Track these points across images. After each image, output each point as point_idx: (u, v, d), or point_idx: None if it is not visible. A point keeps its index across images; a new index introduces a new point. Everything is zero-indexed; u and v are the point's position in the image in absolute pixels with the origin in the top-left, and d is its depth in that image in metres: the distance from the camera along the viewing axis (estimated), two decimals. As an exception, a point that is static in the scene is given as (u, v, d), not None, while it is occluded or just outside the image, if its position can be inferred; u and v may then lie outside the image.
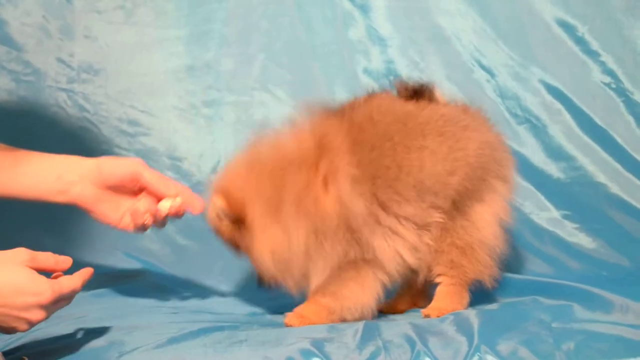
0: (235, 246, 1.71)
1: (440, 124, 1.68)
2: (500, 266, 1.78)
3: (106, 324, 1.67)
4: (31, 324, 1.41)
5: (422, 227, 1.68)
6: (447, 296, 1.75)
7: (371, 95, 1.73)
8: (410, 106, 1.69)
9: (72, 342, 1.55)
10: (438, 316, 1.69)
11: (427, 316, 1.71)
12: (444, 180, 1.66)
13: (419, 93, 1.72)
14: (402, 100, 1.71)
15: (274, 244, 1.64)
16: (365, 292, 1.68)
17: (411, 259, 1.68)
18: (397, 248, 1.66)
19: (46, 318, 1.42)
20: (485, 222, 1.73)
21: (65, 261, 1.47)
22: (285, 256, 1.64)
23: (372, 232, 1.64)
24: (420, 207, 1.65)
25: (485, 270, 1.75)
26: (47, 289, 1.40)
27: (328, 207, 1.63)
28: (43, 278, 1.40)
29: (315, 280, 1.67)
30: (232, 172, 1.69)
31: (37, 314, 1.40)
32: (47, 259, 1.45)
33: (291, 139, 1.66)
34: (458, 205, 1.70)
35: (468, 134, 1.69)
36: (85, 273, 1.48)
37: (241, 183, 1.65)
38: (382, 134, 1.64)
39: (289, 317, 1.68)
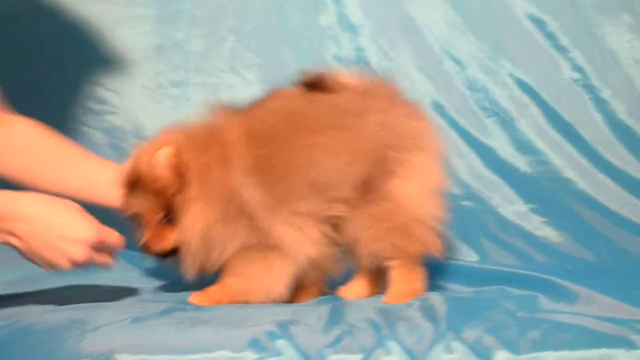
0: (157, 206, 1.63)
1: (332, 117, 1.66)
2: (444, 234, 1.76)
3: (69, 302, 1.65)
4: (72, 262, 1.51)
5: (325, 220, 1.67)
6: (402, 279, 1.73)
7: (274, 93, 1.73)
8: (301, 103, 1.68)
9: (33, 320, 1.53)
10: (399, 302, 1.69)
11: (387, 302, 1.71)
12: (342, 174, 1.64)
13: (314, 84, 1.71)
14: (298, 98, 1.70)
15: (208, 217, 1.62)
16: (271, 276, 1.67)
17: (313, 252, 1.67)
18: (298, 239, 1.65)
19: (86, 263, 1.52)
20: (410, 197, 1.69)
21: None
22: (214, 231, 1.62)
23: (269, 220, 1.63)
24: (319, 203, 1.65)
25: (428, 245, 1.72)
26: (93, 228, 1.51)
27: (227, 193, 1.62)
28: (91, 220, 1.52)
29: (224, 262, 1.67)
30: (179, 139, 1.65)
31: (79, 252, 1.50)
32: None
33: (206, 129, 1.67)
34: (370, 190, 1.67)
35: (363, 120, 1.66)
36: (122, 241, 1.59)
37: (187, 149, 1.63)
38: (270, 134, 1.64)
39: (194, 295, 1.69)
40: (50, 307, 1.62)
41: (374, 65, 2.34)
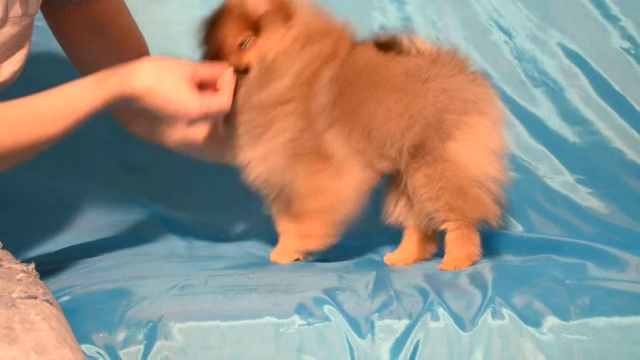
0: (240, 30, 1.67)
1: (401, 80, 1.70)
2: (502, 200, 1.76)
3: (115, 273, 1.67)
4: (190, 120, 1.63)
5: (373, 169, 1.71)
6: (457, 242, 1.72)
7: (363, 42, 1.77)
8: (383, 60, 1.72)
9: (80, 290, 1.54)
10: (455, 268, 1.68)
11: (445, 270, 1.69)
12: (395, 136, 1.69)
13: (390, 45, 1.74)
14: (381, 54, 1.73)
15: (282, 49, 1.67)
16: (339, 177, 1.69)
17: (359, 179, 1.70)
18: (348, 160, 1.69)
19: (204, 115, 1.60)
20: (468, 158, 1.70)
21: (220, 69, 1.64)
22: (278, 69, 1.67)
23: (326, 126, 1.68)
24: (371, 152, 1.69)
25: (484, 207, 1.72)
26: (196, 105, 1.58)
27: (315, 70, 1.68)
28: (195, 95, 1.58)
29: (277, 150, 1.69)
30: None
31: (194, 107, 1.58)
32: (205, 70, 1.62)
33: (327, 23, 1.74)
34: (424, 152, 1.70)
35: (427, 86, 1.70)
36: (229, 87, 1.63)
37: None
38: (351, 76, 1.69)
39: (303, 244, 1.73)
40: (96, 277, 1.63)
41: (422, 35, 2.31)
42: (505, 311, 1.40)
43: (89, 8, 1.78)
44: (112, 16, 1.82)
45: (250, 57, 1.67)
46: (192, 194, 2.20)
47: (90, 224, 2.07)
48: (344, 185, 1.68)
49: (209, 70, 1.62)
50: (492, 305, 1.41)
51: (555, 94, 2.32)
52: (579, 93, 2.32)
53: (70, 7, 1.77)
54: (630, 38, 2.34)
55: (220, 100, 1.61)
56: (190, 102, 1.57)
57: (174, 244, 2.00)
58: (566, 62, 2.33)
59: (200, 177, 2.19)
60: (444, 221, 1.72)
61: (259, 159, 1.70)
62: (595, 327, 1.39)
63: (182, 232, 2.06)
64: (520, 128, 2.29)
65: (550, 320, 1.39)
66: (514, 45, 2.33)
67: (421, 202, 1.72)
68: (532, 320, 1.39)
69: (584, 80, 2.33)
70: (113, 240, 2.00)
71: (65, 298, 1.50)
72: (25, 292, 1.35)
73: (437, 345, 1.38)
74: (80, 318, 1.42)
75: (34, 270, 1.47)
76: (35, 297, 1.34)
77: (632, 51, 2.34)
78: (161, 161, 2.16)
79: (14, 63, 1.55)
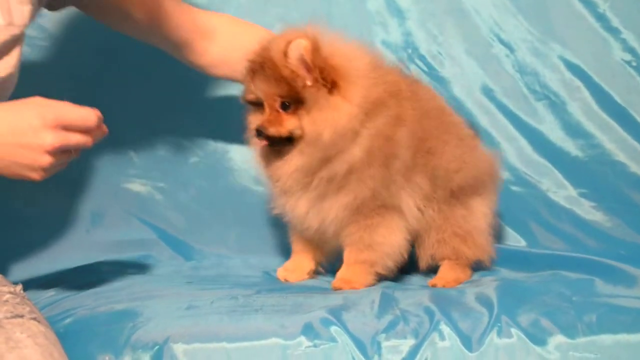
0: (280, 92, 1.65)
1: (461, 127, 1.86)
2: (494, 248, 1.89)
3: (121, 294, 1.66)
4: (47, 152, 1.36)
5: (421, 202, 1.78)
6: (451, 269, 1.82)
7: (416, 79, 1.93)
8: (440, 101, 1.89)
9: (85, 311, 1.54)
10: (444, 286, 1.75)
11: (434, 285, 1.77)
12: (451, 175, 1.78)
13: None
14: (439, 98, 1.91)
15: (340, 126, 1.64)
16: (394, 232, 1.74)
17: (416, 224, 1.78)
18: (410, 208, 1.75)
19: (61, 148, 1.37)
20: (480, 211, 1.85)
21: (92, 115, 1.41)
22: (348, 130, 1.65)
23: (403, 183, 1.72)
24: (428, 189, 1.77)
25: (484, 252, 1.85)
26: (48, 112, 1.37)
27: (388, 142, 1.69)
28: (49, 106, 1.38)
29: (336, 208, 1.71)
30: (337, 38, 1.71)
31: (46, 139, 1.35)
32: (73, 114, 1.40)
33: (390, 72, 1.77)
34: (457, 196, 1.81)
35: (476, 143, 1.90)
36: (91, 121, 1.41)
37: (346, 49, 1.69)
38: (428, 111, 1.78)
39: (336, 283, 1.73)
40: (102, 298, 1.63)
41: (422, 50, 2.31)
42: (512, 330, 1.40)
43: None
44: None
45: (292, 125, 1.65)
46: (197, 213, 2.19)
47: (95, 244, 2.06)
48: (396, 243, 1.75)
49: (76, 114, 1.40)
50: (499, 324, 1.41)
51: (557, 107, 2.31)
52: (581, 106, 2.31)
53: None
54: (631, 50, 2.33)
55: (82, 112, 1.40)
56: (36, 115, 1.37)
57: (179, 263, 2.00)
58: (568, 75, 2.32)
59: (205, 198, 2.19)
60: (443, 259, 1.83)
61: (318, 216, 1.73)
62: (602, 345, 1.39)
63: (187, 251, 2.06)
64: (523, 142, 2.29)
65: (557, 339, 1.39)
66: (515, 59, 2.33)
67: (431, 244, 1.82)
68: (539, 338, 1.39)
69: (585, 93, 2.32)
70: (119, 260, 2.00)
71: (69, 320, 1.51)
72: (12, 312, 1.34)
73: (444, 365, 1.37)
74: (85, 340, 1.43)
75: (21, 291, 1.46)
76: (21, 316, 1.34)
77: (634, 63, 2.33)
78: (165, 181, 2.17)
79: None
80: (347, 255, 1.76)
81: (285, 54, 1.62)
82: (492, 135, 2.28)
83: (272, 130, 1.66)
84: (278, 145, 1.68)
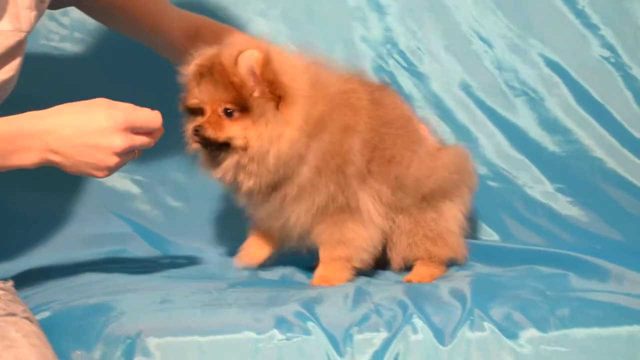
0: (225, 99, 1.63)
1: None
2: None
3: (95, 288, 1.66)
4: (116, 154, 1.43)
5: (389, 210, 1.78)
6: (426, 266, 1.82)
7: (383, 85, 1.93)
8: (405, 109, 1.86)
9: (59, 306, 1.54)
10: (419, 281, 1.75)
11: (409, 281, 1.76)
12: (418, 184, 1.79)
13: None
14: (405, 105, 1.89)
15: (283, 152, 1.64)
16: (363, 226, 1.74)
17: (381, 223, 1.77)
18: (372, 210, 1.75)
19: (129, 150, 1.44)
20: (452, 215, 1.85)
21: (157, 118, 1.48)
22: (292, 157, 1.65)
23: (359, 185, 1.72)
24: (391, 195, 1.77)
25: (456, 252, 1.85)
26: (119, 116, 1.42)
27: (337, 154, 1.68)
28: (118, 108, 1.44)
29: (297, 213, 1.71)
30: (283, 54, 1.71)
31: (115, 143, 1.42)
32: (142, 117, 1.46)
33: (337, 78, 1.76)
34: (427, 204, 1.82)
35: (445, 149, 1.90)
36: (156, 122, 1.48)
37: (290, 66, 1.68)
38: (391, 120, 1.77)
39: (315, 281, 1.74)
40: (76, 292, 1.62)
41: (402, 46, 2.31)
42: (485, 323, 1.40)
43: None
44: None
45: (233, 132, 1.64)
46: (172, 207, 2.19)
47: (70, 238, 2.06)
48: (367, 236, 1.75)
49: (143, 117, 1.47)
50: (471, 317, 1.41)
51: (536, 103, 2.32)
52: (559, 102, 2.32)
53: (88, 3, 1.81)
54: (610, 47, 2.34)
55: (148, 114, 1.48)
56: (110, 117, 1.43)
57: (154, 257, 2.00)
58: (546, 71, 2.33)
59: (181, 192, 2.19)
60: (417, 259, 1.83)
61: (278, 222, 1.75)
62: (574, 339, 1.39)
63: (163, 245, 2.06)
64: (501, 137, 2.29)
65: (529, 332, 1.39)
66: (494, 55, 2.33)
67: (402, 248, 1.82)
68: (511, 332, 1.39)
69: (564, 90, 2.33)
70: (93, 254, 1.99)
71: (44, 314, 1.50)
72: (5, 310, 1.34)
73: (416, 358, 1.37)
74: (59, 335, 1.41)
75: (12, 287, 1.46)
76: (14, 315, 1.33)
77: (612, 60, 2.34)
78: (142, 174, 2.17)
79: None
80: (322, 254, 1.76)
81: (235, 63, 1.62)
82: (470, 130, 2.29)
83: (211, 132, 1.63)
84: (212, 150, 1.66)
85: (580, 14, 2.34)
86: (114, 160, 1.43)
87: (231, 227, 2.12)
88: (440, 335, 1.39)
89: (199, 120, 1.66)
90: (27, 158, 1.41)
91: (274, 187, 1.67)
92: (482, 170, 2.24)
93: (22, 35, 1.55)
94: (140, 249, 2.04)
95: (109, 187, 2.15)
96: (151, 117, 1.47)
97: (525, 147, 2.29)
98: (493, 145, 2.28)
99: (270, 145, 1.62)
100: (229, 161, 1.66)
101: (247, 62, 1.61)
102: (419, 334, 1.39)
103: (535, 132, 2.30)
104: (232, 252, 1.95)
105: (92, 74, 2.19)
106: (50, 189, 2.11)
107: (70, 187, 2.15)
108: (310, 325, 1.39)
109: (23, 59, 1.58)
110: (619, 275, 1.63)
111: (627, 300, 1.46)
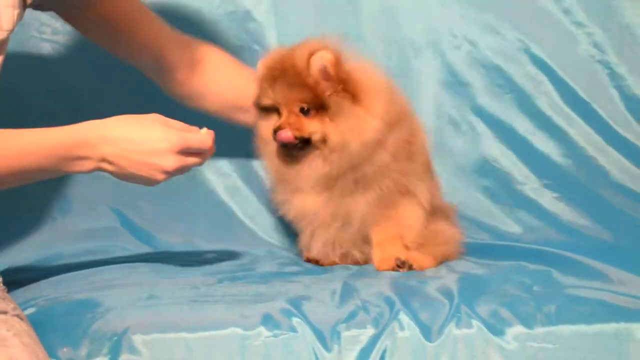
0: (302, 99, 1.71)
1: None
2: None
3: (81, 283, 1.65)
4: (165, 173, 1.53)
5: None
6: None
7: None
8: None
9: (46, 302, 1.53)
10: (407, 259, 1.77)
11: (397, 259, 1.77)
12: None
13: None
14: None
15: (368, 138, 1.71)
16: (415, 208, 1.81)
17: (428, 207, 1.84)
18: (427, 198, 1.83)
19: (179, 170, 1.53)
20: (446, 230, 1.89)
21: (208, 138, 1.57)
22: (365, 154, 1.72)
23: (422, 172, 1.83)
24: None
25: (453, 252, 1.88)
26: (175, 136, 1.52)
27: (410, 145, 1.79)
28: (174, 128, 1.54)
29: (358, 202, 1.77)
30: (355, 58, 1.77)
31: (168, 162, 1.51)
32: (195, 140, 1.55)
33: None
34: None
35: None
36: (208, 144, 1.57)
37: (362, 65, 1.76)
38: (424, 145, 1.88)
39: (378, 266, 1.78)
40: (62, 288, 1.62)
41: (391, 42, 2.31)
42: (471, 320, 1.40)
43: (92, 10, 1.80)
44: (115, 9, 1.84)
45: (313, 128, 1.72)
46: (160, 202, 2.18)
47: (56, 232, 2.05)
48: (417, 215, 1.81)
49: (197, 140, 1.56)
50: (458, 314, 1.41)
51: (523, 101, 2.32)
52: (546, 100, 2.32)
53: (74, 11, 1.80)
54: (596, 45, 2.34)
55: (202, 137, 1.57)
56: (165, 137, 1.52)
57: (141, 252, 1.99)
58: (533, 69, 2.33)
59: (169, 185, 2.17)
60: None
61: (337, 210, 1.79)
62: (560, 336, 1.39)
63: (150, 240, 2.05)
64: (489, 133, 2.29)
65: (516, 329, 1.39)
66: (481, 53, 2.33)
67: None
68: (498, 329, 1.39)
69: (550, 87, 2.33)
70: (79, 249, 1.98)
71: (30, 310, 1.49)
72: None
73: (403, 355, 1.38)
74: (45, 331, 1.40)
75: (1, 285, 1.46)
76: (5, 313, 1.33)
77: (598, 58, 2.34)
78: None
79: None
80: (376, 236, 1.80)
81: (308, 64, 1.69)
82: (461, 127, 2.29)
83: (293, 133, 1.71)
84: (291, 148, 1.74)
85: (567, 12, 2.34)
86: (163, 177, 1.54)
87: (220, 223, 2.11)
88: (427, 332, 1.39)
89: (277, 121, 1.74)
90: (84, 166, 1.51)
91: (350, 170, 1.74)
92: (472, 166, 2.26)
93: (4, 34, 1.54)
94: (127, 244, 2.03)
95: (97, 182, 2.14)
96: (203, 139, 1.56)
97: (512, 144, 2.29)
98: (482, 141, 2.28)
99: (351, 136, 1.70)
100: (312, 155, 1.74)
101: (320, 62, 1.69)
102: (406, 330, 1.39)
103: (524, 130, 2.31)
104: (220, 247, 1.95)
105: (84, 67, 2.17)
106: (40, 183, 2.10)
107: (57, 182, 2.13)
108: (297, 322, 1.39)
109: (5, 58, 1.57)
110: (606, 273, 1.64)
111: (614, 298, 1.47)
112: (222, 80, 1.95)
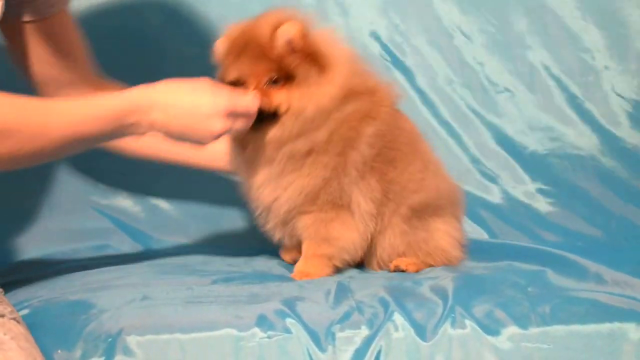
0: (268, 70, 1.67)
1: (430, 156, 1.85)
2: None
3: (75, 284, 1.65)
4: (214, 136, 1.58)
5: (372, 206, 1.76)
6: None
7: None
8: (416, 130, 1.85)
9: (40, 303, 1.53)
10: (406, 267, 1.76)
11: (396, 267, 1.76)
12: (405, 194, 1.77)
13: None
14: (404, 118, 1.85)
15: (323, 104, 1.68)
16: (349, 229, 1.75)
17: (371, 226, 1.76)
18: (364, 208, 1.74)
19: (227, 132, 1.59)
20: (443, 232, 1.83)
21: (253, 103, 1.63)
22: (327, 113, 1.68)
23: (356, 179, 1.72)
24: (385, 199, 1.76)
25: (452, 260, 1.83)
26: (223, 99, 1.57)
27: (350, 131, 1.71)
28: (222, 91, 1.59)
29: (293, 185, 1.72)
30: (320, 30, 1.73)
31: (217, 125, 1.57)
32: (242, 102, 1.61)
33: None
34: (419, 217, 1.80)
35: (443, 172, 1.88)
36: (254, 107, 1.62)
37: (328, 36, 1.73)
38: (404, 127, 1.80)
39: (295, 275, 1.74)
40: (56, 289, 1.62)
41: (384, 39, 2.31)
42: (466, 320, 1.40)
43: (44, 22, 1.77)
44: (63, 27, 1.82)
45: (280, 99, 1.68)
46: (155, 203, 2.18)
47: (52, 232, 2.05)
48: (354, 236, 1.75)
49: (244, 103, 1.62)
50: (453, 314, 1.41)
51: (517, 99, 2.32)
52: (541, 99, 2.32)
53: (26, 22, 1.76)
54: (592, 43, 2.34)
55: (248, 100, 1.62)
56: (214, 101, 1.57)
57: (135, 253, 1.99)
58: (527, 67, 2.33)
59: (162, 185, 2.18)
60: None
61: (273, 192, 1.74)
62: (555, 336, 1.39)
63: (146, 241, 2.05)
64: (482, 134, 2.29)
65: (510, 330, 1.39)
66: (475, 50, 2.33)
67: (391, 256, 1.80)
68: (492, 329, 1.39)
69: (545, 86, 2.33)
70: (74, 249, 1.98)
71: (24, 311, 1.49)
72: None
73: (397, 355, 1.37)
74: (39, 333, 1.40)
75: None
76: (2, 316, 1.33)
77: (593, 56, 2.34)
78: (125, 169, 2.16)
79: None
80: (305, 249, 1.77)
81: (273, 37, 1.65)
82: (453, 126, 2.29)
83: (263, 105, 1.66)
84: (258, 123, 1.68)
85: (562, 9, 2.34)
86: (211, 139, 1.59)
87: (213, 223, 2.11)
88: (421, 332, 1.39)
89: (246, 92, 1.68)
90: (137, 130, 1.55)
91: (293, 139, 1.69)
92: (467, 167, 2.26)
93: None
94: (121, 245, 2.03)
95: (91, 181, 2.15)
96: (250, 103, 1.62)
97: (507, 144, 2.29)
98: (476, 142, 2.28)
99: (309, 102, 1.67)
100: (275, 129, 1.69)
101: (285, 36, 1.65)
102: (400, 331, 1.39)
103: (517, 130, 2.31)
104: (214, 248, 1.95)
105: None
106: (32, 184, 2.11)
107: (52, 182, 2.14)
108: (292, 323, 1.39)
109: None
110: (599, 273, 1.64)
111: (608, 298, 1.47)
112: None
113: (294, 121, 1.67)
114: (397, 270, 1.76)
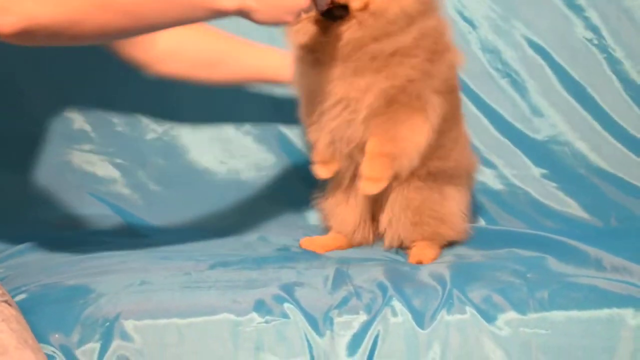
0: None
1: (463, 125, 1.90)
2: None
3: (73, 269, 1.64)
4: (293, 12, 1.55)
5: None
6: (430, 248, 1.78)
7: None
8: None
9: (37, 288, 1.53)
10: (419, 263, 1.72)
11: (419, 262, 1.72)
12: (430, 154, 1.76)
13: None
14: None
15: (406, 4, 1.65)
16: (418, 132, 1.72)
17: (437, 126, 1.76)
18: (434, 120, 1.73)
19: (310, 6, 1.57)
20: (455, 200, 1.84)
21: None
22: (411, 13, 1.66)
23: (437, 90, 1.72)
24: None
25: (460, 234, 1.84)
26: None
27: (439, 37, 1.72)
28: None
29: (369, 84, 1.69)
30: None
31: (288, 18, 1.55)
32: None
33: None
34: (435, 179, 1.80)
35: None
36: None
37: None
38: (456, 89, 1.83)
39: (363, 186, 1.70)
40: (54, 274, 1.61)
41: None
42: (464, 306, 1.40)
43: None
44: None
45: None
46: (152, 191, 2.18)
47: (49, 219, 2.05)
48: (418, 141, 1.72)
49: None
50: (451, 300, 1.41)
51: (519, 85, 2.31)
52: (542, 85, 2.31)
53: None
54: (594, 29, 2.32)
55: None
56: None
57: (133, 238, 1.99)
58: (530, 53, 2.32)
59: (161, 175, 2.18)
60: (415, 240, 1.80)
61: (349, 85, 1.70)
62: (553, 321, 1.39)
63: (143, 227, 2.04)
64: (484, 121, 2.28)
65: (508, 315, 1.39)
66: (477, 36, 2.32)
67: (405, 224, 1.79)
68: (491, 315, 1.39)
69: (547, 72, 2.32)
70: (72, 235, 1.97)
71: (22, 296, 1.48)
72: None
73: (395, 340, 1.38)
74: (37, 317, 1.40)
75: None
76: None
77: (596, 42, 2.33)
78: (122, 157, 2.16)
79: None
80: (370, 147, 1.72)
81: None
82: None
83: None
84: (329, 18, 1.66)
85: (564, -5, 2.33)
86: (297, 12, 1.56)
87: (212, 209, 2.11)
88: (419, 318, 1.39)
89: None
90: (228, 3, 1.51)
91: (375, 40, 1.66)
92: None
93: None
94: (119, 230, 2.03)
95: (89, 170, 2.15)
96: None
97: (508, 131, 2.27)
98: (477, 128, 2.27)
99: (393, 3, 1.64)
100: (348, 23, 1.66)
101: None
102: (399, 316, 1.39)
103: (519, 116, 2.29)
104: (212, 233, 1.95)
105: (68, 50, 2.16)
106: (29, 171, 2.10)
107: (50, 169, 2.13)
108: (290, 308, 1.39)
109: None
110: (598, 259, 1.63)
111: (607, 284, 1.47)
112: (187, 39, 1.91)
113: (374, 21, 1.64)
114: (419, 263, 1.72)
